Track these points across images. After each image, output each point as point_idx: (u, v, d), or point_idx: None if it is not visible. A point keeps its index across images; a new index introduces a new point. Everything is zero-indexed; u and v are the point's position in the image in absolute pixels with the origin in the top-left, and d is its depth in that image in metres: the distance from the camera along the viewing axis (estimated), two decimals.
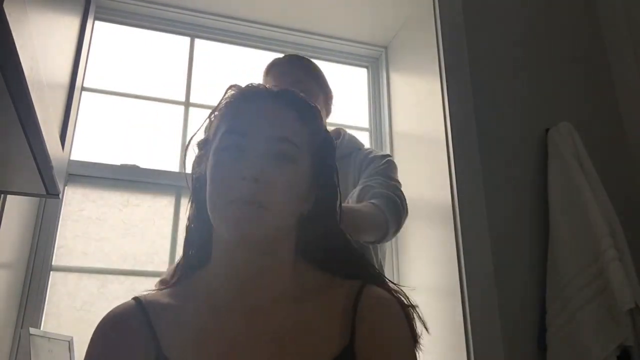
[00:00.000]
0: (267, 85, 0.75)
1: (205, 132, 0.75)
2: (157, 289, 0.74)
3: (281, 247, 0.70)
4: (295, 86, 1.13)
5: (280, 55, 2.13)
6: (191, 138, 0.76)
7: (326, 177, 0.74)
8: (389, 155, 1.45)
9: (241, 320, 0.67)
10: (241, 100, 0.72)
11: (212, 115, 0.74)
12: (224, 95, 0.74)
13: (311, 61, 1.49)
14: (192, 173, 0.75)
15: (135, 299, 0.70)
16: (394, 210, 1.23)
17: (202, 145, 0.75)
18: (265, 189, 0.64)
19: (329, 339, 0.65)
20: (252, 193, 0.63)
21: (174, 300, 0.70)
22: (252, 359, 0.64)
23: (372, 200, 1.23)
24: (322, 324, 0.66)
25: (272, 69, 1.42)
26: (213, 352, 0.64)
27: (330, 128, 1.40)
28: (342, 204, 0.80)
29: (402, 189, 1.37)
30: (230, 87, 0.74)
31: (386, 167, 1.37)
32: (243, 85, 0.75)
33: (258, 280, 0.68)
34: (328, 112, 1.48)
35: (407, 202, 1.34)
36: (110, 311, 0.69)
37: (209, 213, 0.67)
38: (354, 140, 1.51)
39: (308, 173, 0.71)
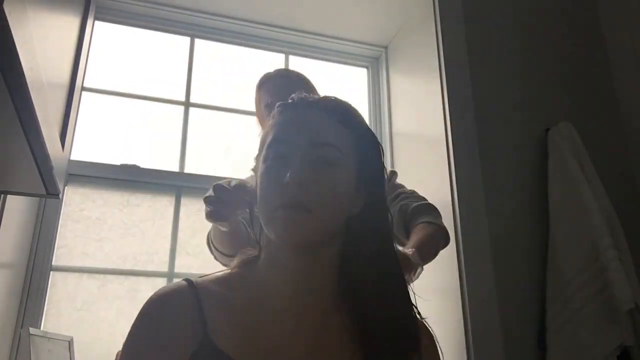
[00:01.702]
0: (308, 96, 0.77)
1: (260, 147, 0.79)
2: (210, 274, 0.75)
3: (326, 251, 0.71)
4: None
5: (281, 55, 2.15)
6: None
7: (373, 177, 0.75)
8: (393, 172, 1.45)
9: (291, 322, 0.69)
10: (285, 112, 0.75)
11: (267, 129, 0.78)
12: (275, 111, 0.77)
13: (296, 72, 1.51)
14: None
15: (187, 280, 0.70)
16: (437, 212, 1.29)
17: (256, 158, 0.79)
18: (309, 193, 0.66)
19: None
20: (296, 197, 0.66)
21: (224, 289, 0.70)
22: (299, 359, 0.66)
23: (422, 220, 1.26)
24: None
25: (263, 85, 1.44)
26: (261, 348, 0.66)
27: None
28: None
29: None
30: (278, 104, 0.77)
31: (396, 182, 1.40)
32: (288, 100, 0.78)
33: (307, 285, 0.70)
34: None
35: None
36: (161, 288, 0.69)
37: (260, 217, 0.70)
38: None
39: (353, 175, 0.72)
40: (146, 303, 0.67)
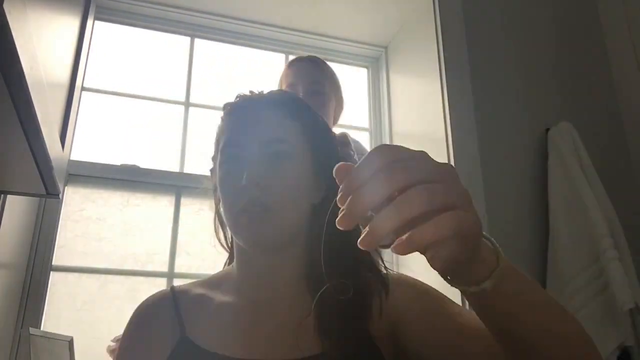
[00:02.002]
0: (252, 92, 0.78)
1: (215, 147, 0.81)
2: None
3: (294, 242, 0.73)
4: (311, 86, 1.35)
5: (281, 55, 2.15)
6: None
7: (329, 165, 0.75)
8: None
9: (264, 310, 0.71)
10: (233, 113, 0.77)
11: (217, 131, 0.80)
12: (223, 112, 0.79)
13: (327, 64, 1.53)
14: (213, 184, 0.82)
15: (171, 287, 0.78)
16: None
17: (213, 159, 0.82)
18: (268, 192, 0.68)
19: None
20: (256, 198, 0.67)
21: (205, 290, 0.76)
22: (267, 350, 0.67)
23: None
24: None
25: (293, 65, 1.49)
26: (238, 338, 0.69)
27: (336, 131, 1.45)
28: None
29: None
30: (225, 105, 0.79)
31: None
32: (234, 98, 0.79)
33: (274, 275, 0.73)
34: (336, 117, 1.51)
35: None
36: (148, 297, 0.77)
37: (226, 222, 0.74)
38: (360, 148, 1.50)
39: (310, 164, 0.73)
40: (134, 310, 0.76)
